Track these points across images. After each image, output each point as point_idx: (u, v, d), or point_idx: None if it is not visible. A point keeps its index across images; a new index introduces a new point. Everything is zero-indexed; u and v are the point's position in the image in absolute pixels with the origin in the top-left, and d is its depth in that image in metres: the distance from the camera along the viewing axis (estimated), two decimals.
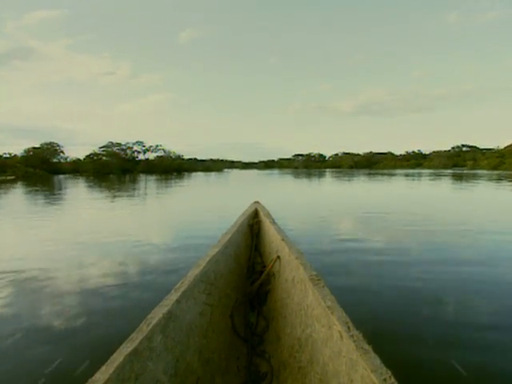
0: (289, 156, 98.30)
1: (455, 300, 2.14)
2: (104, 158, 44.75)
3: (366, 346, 0.74)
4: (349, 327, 0.81)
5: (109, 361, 0.72)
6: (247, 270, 1.78)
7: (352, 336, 0.77)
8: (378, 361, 0.69)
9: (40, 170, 32.34)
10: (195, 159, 69.73)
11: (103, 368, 0.70)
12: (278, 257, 1.55)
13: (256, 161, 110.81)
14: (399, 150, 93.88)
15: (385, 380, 0.64)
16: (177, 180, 20.91)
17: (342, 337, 0.80)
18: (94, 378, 0.68)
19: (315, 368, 0.92)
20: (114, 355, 0.74)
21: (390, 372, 0.66)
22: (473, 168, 51.79)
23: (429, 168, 57.65)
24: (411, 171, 40.70)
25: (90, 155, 44.85)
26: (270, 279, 1.59)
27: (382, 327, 1.75)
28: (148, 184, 17.09)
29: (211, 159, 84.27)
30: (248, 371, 1.17)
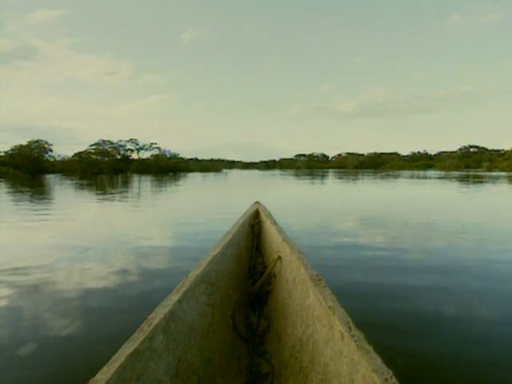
0: (290, 156, 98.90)
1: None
2: (93, 156, 43.52)
3: (368, 346, 0.76)
4: (350, 327, 0.84)
5: (110, 361, 0.74)
6: (248, 270, 1.82)
7: (353, 336, 0.80)
8: (379, 361, 0.71)
9: (14, 170, 30.39)
10: (196, 159, 70.15)
11: (105, 368, 0.72)
12: (279, 257, 1.59)
13: (257, 161, 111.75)
14: (403, 151, 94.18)
15: (386, 380, 0.66)
16: (170, 182, 19.89)
17: (343, 337, 0.83)
18: (95, 378, 0.69)
19: (316, 368, 0.95)
20: (116, 355, 0.76)
21: (391, 372, 0.68)
22: (490, 169, 50.10)
23: (441, 169, 55.93)
24: (427, 173, 38.92)
25: (78, 153, 43.47)
26: (271, 279, 1.64)
27: None
28: (134, 186, 15.40)
29: (212, 159, 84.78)
30: (249, 371, 1.20)
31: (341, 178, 24.24)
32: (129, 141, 48.75)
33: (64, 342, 1.75)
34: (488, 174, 35.17)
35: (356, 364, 0.75)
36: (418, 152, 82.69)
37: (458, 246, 3.83)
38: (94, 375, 0.70)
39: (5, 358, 1.61)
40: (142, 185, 16.99)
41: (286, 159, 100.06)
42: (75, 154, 43.79)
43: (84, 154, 43.78)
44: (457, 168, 57.86)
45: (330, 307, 0.94)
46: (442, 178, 24.66)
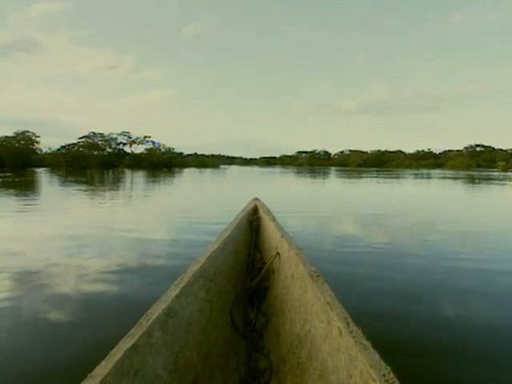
0: (292, 153, 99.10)
1: None
2: (81, 149, 42.19)
3: (365, 342, 0.78)
4: (348, 323, 0.86)
5: (108, 356, 0.76)
6: (247, 266, 1.86)
7: (351, 332, 0.82)
8: (376, 356, 0.74)
9: None
10: (196, 154, 70.42)
11: (103, 363, 0.74)
12: (278, 253, 1.62)
13: (257, 157, 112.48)
14: (406, 149, 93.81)
15: (384, 375, 0.68)
16: (157, 179, 17.94)
17: (341, 333, 0.85)
18: (93, 373, 0.71)
19: (314, 364, 0.98)
20: (114, 350, 0.78)
21: (389, 367, 0.70)
22: (506, 170, 48.71)
23: (452, 169, 54.50)
24: (442, 172, 36.89)
25: (64, 146, 42.24)
26: (269, 275, 1.68)
27: None
28: (109, 185, 13.31)
29: (212, 155, 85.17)
30: (247, 367, 1.24)
31: (360, 178, 21.83)
32: (121, 134, 47.25)
33: None
34: (509, 174, 32.68)
35: (354, 360, 0.77)
36: (423, 150, 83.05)
37: None
38: (91, 370, 0.72)
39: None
40: (121, 182, 15.26)
41: (287, 156, 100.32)
42: (62, 147, 42.32)
43: (71, 147, 42.31)
44: (469, 167, 56.93)
45: (328, 303, 0.97)
46: (477, 179, 22.56)
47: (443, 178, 24.26)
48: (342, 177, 23.92)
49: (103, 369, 0.72)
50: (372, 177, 23.61)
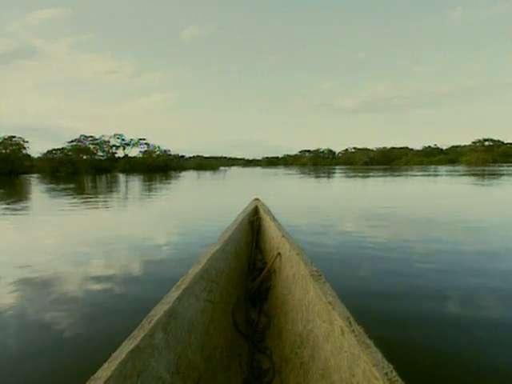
0: (295, 152, 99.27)
1: None
2: (69, 153, 41.52)
3: (368, 341, 0.81)
4: (350, 322, 0.88)
5: (111, 358, 0.78)
6: (248, 266, 1.91)
7: (353, 331, 0.85)
8: (379, 355, 0.76)
9: None
10: (197, 156, 70.77)
11: (105, 365, 0.76)
12: (279, 253, 1.66)
13: (260, 158, 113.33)
14: (412, 146, 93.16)
15: (386, 374, 0.70)
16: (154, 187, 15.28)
17: (343, 332, 0.88)
18: (96, 375, 0.73)
19: (317, 363, 1.00)
20: (116, 352, 0.80)
21: (391, 366, 0.72)
22: None
23: (468, 164, 51.94)
24: (460, 168, 34.18)
25: (51, 151, 41.64)
26: (270, 276, 1.71)
27: None
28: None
29: (214, 157, 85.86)
30: (250, 368, 1.26)
31: (383, 178, 18.69)
32: (114, 136, 46.61)
33: None
34: None
35: (356, 358, 0.79)
36: (429, 146, 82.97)
37: None
38: (94, 372, 0.74)
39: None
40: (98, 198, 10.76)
41: (290, 155, 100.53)
42: (48, 152, 41.62)
43: (59, 152, 41.58)
44: (485, 163, 55.43)
45: (329, 302, 1.00)
46: None
47: (476, 174, 21.19)
48: (360, 177, 20.38)
49: (106, 371, 0.73)
50: (395, 176, 20.70)
